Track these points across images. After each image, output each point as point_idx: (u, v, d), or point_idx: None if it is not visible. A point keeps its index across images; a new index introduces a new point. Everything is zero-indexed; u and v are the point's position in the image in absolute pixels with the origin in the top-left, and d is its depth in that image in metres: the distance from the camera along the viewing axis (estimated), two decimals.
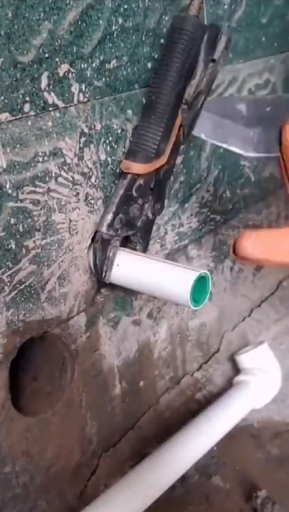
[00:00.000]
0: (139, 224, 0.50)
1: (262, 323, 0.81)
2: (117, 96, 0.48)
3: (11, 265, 0.42)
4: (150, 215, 0.51)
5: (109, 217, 0.47)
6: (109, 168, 0.49)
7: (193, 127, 0.50)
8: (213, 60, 0.47)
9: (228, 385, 0.72)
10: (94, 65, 0.44)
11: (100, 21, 0.44)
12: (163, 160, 0.48)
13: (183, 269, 0.46)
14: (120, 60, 0.47)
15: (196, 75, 0.47)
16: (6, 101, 0.38)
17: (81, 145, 0.45)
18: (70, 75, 0.43)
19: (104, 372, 0.55)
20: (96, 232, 0.48)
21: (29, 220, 0.42)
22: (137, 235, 0.51)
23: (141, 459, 0.56)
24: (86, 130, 0.45)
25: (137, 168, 0.47)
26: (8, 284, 0.42)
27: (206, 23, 0.56)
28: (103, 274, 0.48)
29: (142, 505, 0.51)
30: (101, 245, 0.47)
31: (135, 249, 0.51)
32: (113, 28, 0.45)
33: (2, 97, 0.38)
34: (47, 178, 0.43)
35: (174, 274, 0.46)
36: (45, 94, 0.41)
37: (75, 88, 0.43)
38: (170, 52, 0.46)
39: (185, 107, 0.48)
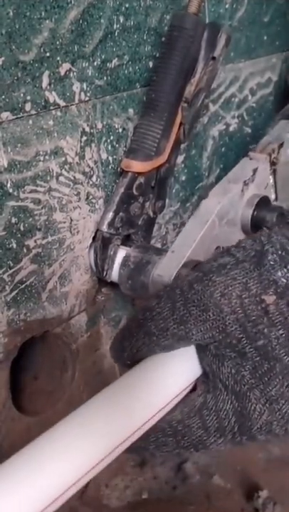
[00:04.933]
0: (139, 222, 0.50)
1: None
2: (118, 95, 0.47)
3: (12, 264, 0.42)
4: (151, 214, 0.51)
5: (110, 215, 0.47)
6: (110, 167, 0.49)
7: (194, 125, 0.50)
8: (214, 58, 0.47)
9: None
10: (95, 63, 0.44)
11: (102, 20, 0.44)
12: (163, 158, 0.48)
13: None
14: (122, 59, 0.47)
15: (196, 72, 0.47)
16: (7, 100, 0.38)
17: (82, 144, 0.45)
18: (72, 73, 0.43)
19: (105, 371, 0.55)
20: (97, 230, 0.48)
21: (30, 219, 0.42)
22: (138, 234, 0.51)
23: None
24: (87, 129, 0.45)
25: (138, 166, 0.47)
26: (9, 283, 0.42)
27: (207, 21, 0.56)
28: (104, 273, 0.48)
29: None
30: (102, 244, 0.47)
31: None
32: (114, 26, 0.45)
33: (3, 96, 0.38)
34: (48, 178, 0.43)
35: None
36: (47, 93, 0.41)
37: (76, 87, 0.43)
38: (170, 50, 0.46)
39: (185, 105, 0.48)
